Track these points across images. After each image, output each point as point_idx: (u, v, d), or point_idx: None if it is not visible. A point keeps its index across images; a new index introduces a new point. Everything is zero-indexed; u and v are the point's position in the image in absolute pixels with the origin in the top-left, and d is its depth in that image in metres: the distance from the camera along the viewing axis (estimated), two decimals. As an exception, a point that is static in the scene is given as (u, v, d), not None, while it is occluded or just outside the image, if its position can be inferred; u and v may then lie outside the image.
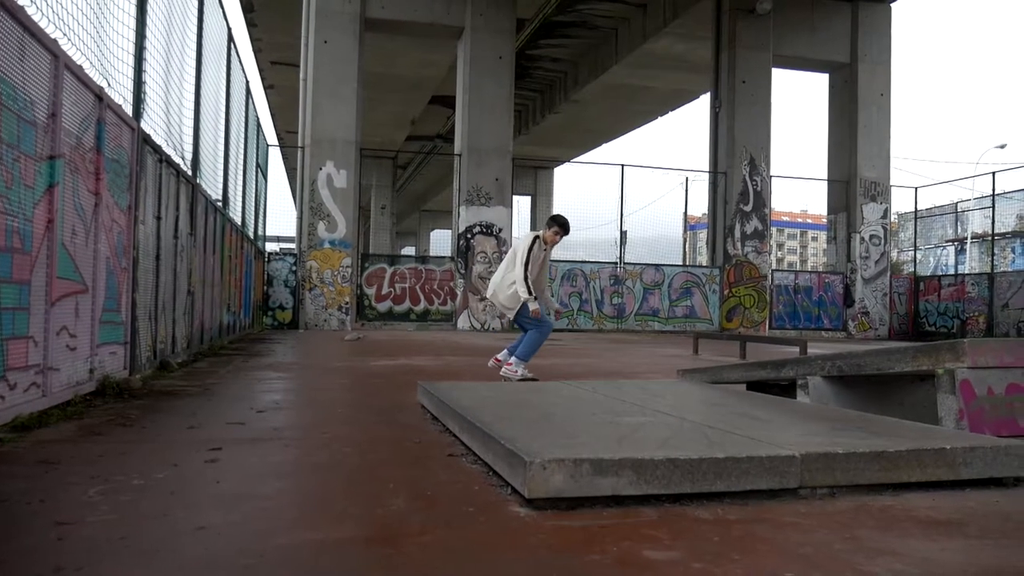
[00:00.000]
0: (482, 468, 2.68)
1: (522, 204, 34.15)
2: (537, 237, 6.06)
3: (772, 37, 17.94)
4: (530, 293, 5.90)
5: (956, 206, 21.46)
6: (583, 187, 19.50)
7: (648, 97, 26.18)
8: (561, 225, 6.13)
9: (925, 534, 2.03)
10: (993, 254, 18.89)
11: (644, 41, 21.21)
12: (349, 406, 4.61)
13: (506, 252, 16.49)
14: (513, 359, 5.98)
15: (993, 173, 18.50)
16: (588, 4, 21.08)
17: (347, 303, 15.53)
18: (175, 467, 2.67)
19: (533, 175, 35.02)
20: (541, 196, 35.57)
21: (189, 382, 5.37)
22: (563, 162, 29.76)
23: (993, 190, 18.56)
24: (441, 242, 37.99)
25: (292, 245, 16.99)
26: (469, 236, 16.27)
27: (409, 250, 52.33)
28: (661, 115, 29.15)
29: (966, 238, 21.88)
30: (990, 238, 19.24)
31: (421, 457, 2.95)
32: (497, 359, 6.23)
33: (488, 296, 6.19)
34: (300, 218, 15.83)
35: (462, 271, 16.21)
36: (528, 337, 6.01)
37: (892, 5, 18.95)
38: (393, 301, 16.16)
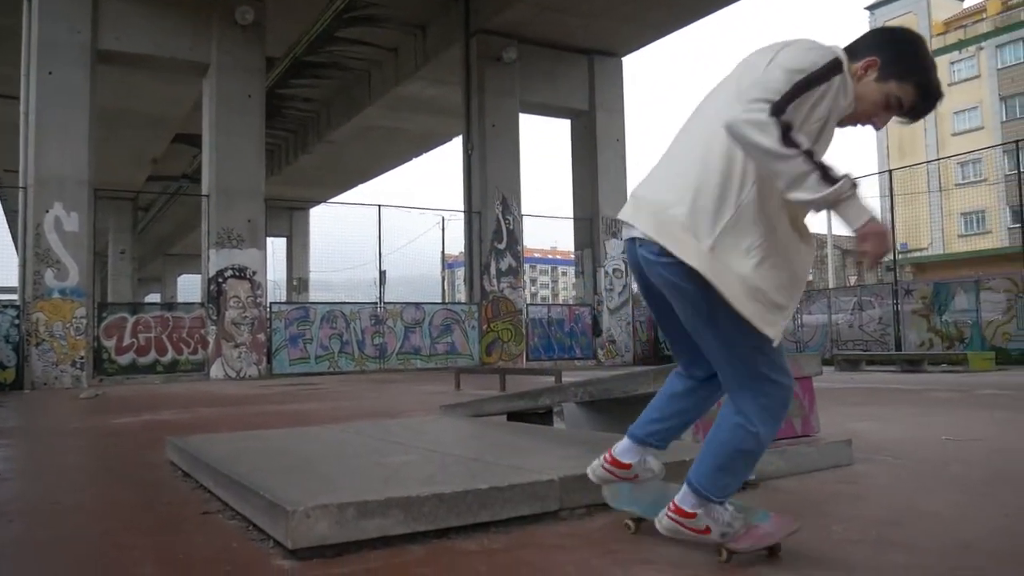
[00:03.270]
0: (241, 523, 2.54)
1: (277, 245, 33.18)
2: (837, 63, 1.89)
3: (519, 84, 18.90)
4: (832, 181, 1.73)
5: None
6: (341, 227, 19.33)
7: (403, 138, 26.55)
8: (921, 86, 1.96)
9: (674, 540, 2.19)
10: (717, 283, 20.98)
11: (397, 84, 21.55)
12: (86, 471, 4.18)
13: (260, 296, 15.91)
14: (691, 495, 2.02)
15: (713, 211, 20.62)
16: (339, 46, 21.10)
17: (82, 358, 14.14)
18: None
19: (288, 216, 34.16)
20: (297, 237, 34.76)
21: None
22: (319, 203, 29.34)
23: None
24: (190, 287, 35.85)
25: (14, 296, 15.23)
26: (221, 280, 15.48)
27: (154, 297, 48.75)
28: (416, 156, 29.64)
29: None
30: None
31: (172, 518, 2.73)
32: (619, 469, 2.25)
33: (643, 228, 1.98)
34: (23, 266, 14.24)
35: (214, 317, 15.36)
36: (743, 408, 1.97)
37: (623, 59, 20.70)
38: (136, 353, 14.94)
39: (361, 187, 33.58)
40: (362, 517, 2.18)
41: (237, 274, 15.61)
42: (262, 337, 15.76)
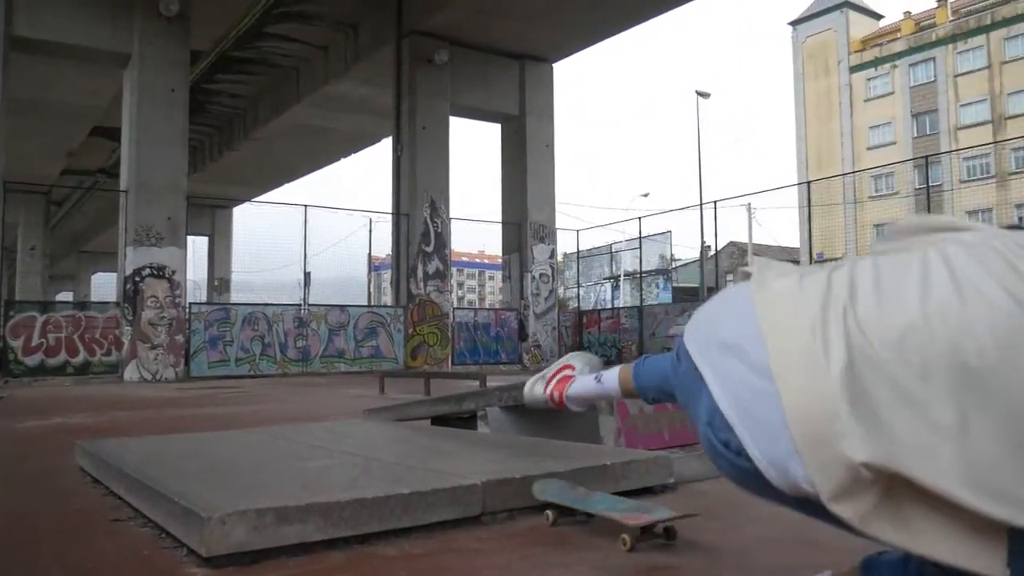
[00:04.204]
0: (154, 530, 2.46)
1: (198, 244, 32.36)
2: None
3: (450, 87, 18.87)
4: None
5: (611, 247, 24.01)
6: (265, 227, 18.95)
7: (332, 138, 26.23)
8: None
9: (592, 544, 2.22)
10: (642, 289, 21.40)
11: (326, 83, 21.30)
12: (-11, 475, 3.99)
13: (179, 296, 15.47)
14: None
15: (640, 218, 21.00)
16: (268, 42, 20.73)
17: (-13, 358, 13.54)
18: None
19: (211, 214, 33.35)
20: (220, 236, 33.96)
21: None
22: (243, 201, 28.72)
23: (640, 233, 21.04)
24: (105, 286, 34.64)
25: (-87, 292, 14.49)
26: (138, 279, 15.01)
27: (67, 296, 46.95)
28: (344, 156, 29.31)
29: (620, 275, 24.51)
30: (639, 275, 21.76)
31: (80, 526, 2.63)
32: None
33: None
34: (-75, 261, 13.58)
35: (129, 317, 14.89)
36: None
37: (554, 65, 20.87)
38: (46, 353, 14.36)
39: (287, 186, 33.06)
40: (281, 523, 2.14)
41: (155, 273, 15.17)
42: (180, 338, 15.33)
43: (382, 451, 3.48)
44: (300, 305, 17.13)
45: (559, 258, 22.36)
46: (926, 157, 22.02)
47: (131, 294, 14.97)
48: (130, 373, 14.74)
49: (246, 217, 33.38)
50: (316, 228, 17.96)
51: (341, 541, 2.22)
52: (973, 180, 35.76)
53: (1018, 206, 34.80)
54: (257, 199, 29.72)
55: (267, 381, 14.41)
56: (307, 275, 17.68)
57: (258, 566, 2.06)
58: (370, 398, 8.60)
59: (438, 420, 4.50)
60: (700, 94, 33.72)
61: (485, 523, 2.47)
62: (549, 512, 2.42)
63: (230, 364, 15.88)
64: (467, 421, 4.33)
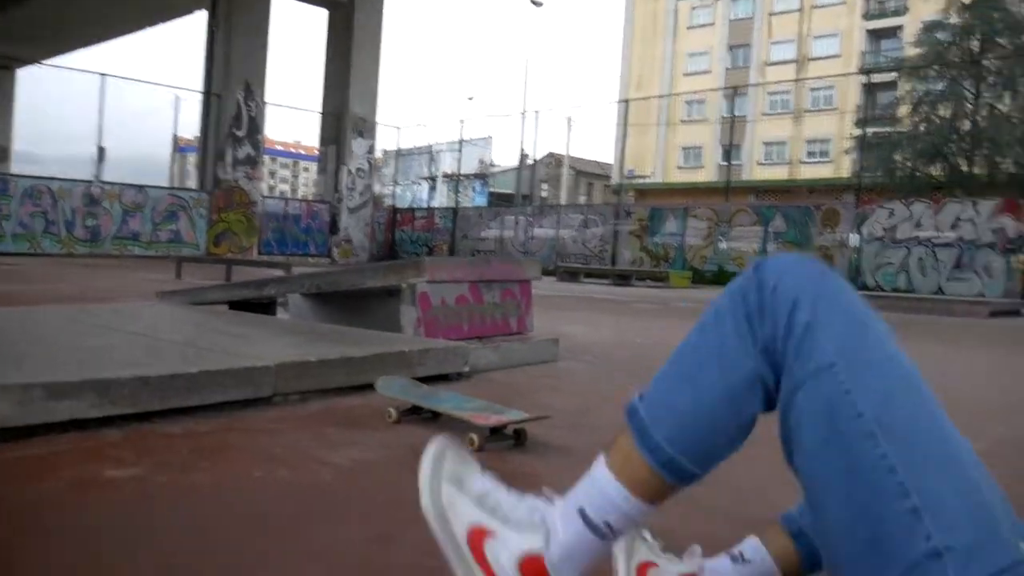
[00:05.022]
0: (-99, 404, 2.25)
1: (-26, 108, 28.84)
2: None
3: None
4: None
5: (431, 147, 23.82)
6: (56, 95, 17.18)
7: (138, 3, 23.84)
8: None
9: (382, 423, 2.28)
10: (458, 192, 21.50)
11: (131, -62, 19.26)
12: None
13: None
14: None
15: (462, 121, 20.95)
16: None
17: None
18: None
19: (-11, 74, 29.69)
20: (0, 102, 30.39)
21: None
22: (30, 63, 25.69)
23: (461, 136, 20.99)
24: None
25: None
26: None
27: None
28: (152, 25, 26.81)
29: (437, 176, 24.45)
30: (456, 177, 21.82)
31: None
32: None
33: None
34: None
35: None
36: None
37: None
38: None
39: (84, 51, 29.87)
40: (51, 398, 2.02)
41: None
42: (-54, 208, 13.78)
43: (173, 333, 3.35)
44: (91, 182, 15.78)
45: (378, 154, 21.90)
46: (735, 88, 23.27)
47: None
48: None
49: (33, 82, 29.89)
50: (115, 101, 16.50)
51: (119, 419, 2.13)
52: (774, 114, 38.21)
53: (808, 141, 37.72)
54: (47, 62, 26.66)
55: (49, 261, 13.29)
56: (101, 150, 16.30)
57: (25, 442, 1.94)
58: (166, 282, 8.19)
59: (237, 305, 4.37)
60: (533, 2, 33.56)
61: (277, 404, 2.46)
62: (392, 409, 2.34)
63: (6, 240, 14.46)
64: (267, 307, 4.24)
